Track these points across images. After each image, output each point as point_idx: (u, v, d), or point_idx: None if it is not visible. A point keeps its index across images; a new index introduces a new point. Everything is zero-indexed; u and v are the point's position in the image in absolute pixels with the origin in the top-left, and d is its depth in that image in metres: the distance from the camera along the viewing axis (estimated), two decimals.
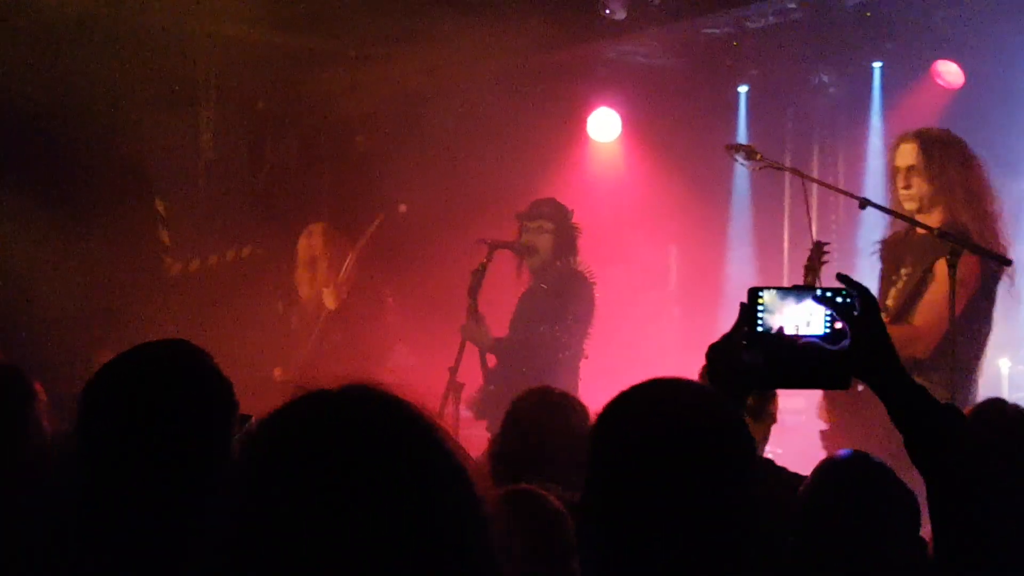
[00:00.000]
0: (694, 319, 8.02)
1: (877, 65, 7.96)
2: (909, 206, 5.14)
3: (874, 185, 7.88)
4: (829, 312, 2.13)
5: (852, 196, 5.32)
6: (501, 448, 3.62)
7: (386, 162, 8.21)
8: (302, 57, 7.86)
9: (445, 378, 5.91)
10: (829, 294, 2.14)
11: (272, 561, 1.25)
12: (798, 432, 5.71)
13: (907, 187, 5.11)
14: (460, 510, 1.31)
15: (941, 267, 4.94)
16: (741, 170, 7.93)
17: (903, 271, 5.12)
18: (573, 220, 6.28)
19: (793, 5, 7.18)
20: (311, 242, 7.24)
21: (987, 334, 5.07)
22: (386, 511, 1.25)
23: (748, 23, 7.50)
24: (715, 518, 1.80)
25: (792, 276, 8.67)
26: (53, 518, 2.15)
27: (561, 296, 6.08)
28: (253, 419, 2.21)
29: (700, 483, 1.80)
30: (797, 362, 2.14)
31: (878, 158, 8.16)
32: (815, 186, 8.06)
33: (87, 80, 7.19)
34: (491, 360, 6.16)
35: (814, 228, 6.24)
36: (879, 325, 2.14)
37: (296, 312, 7.35)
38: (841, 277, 2.18)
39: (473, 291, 6.05)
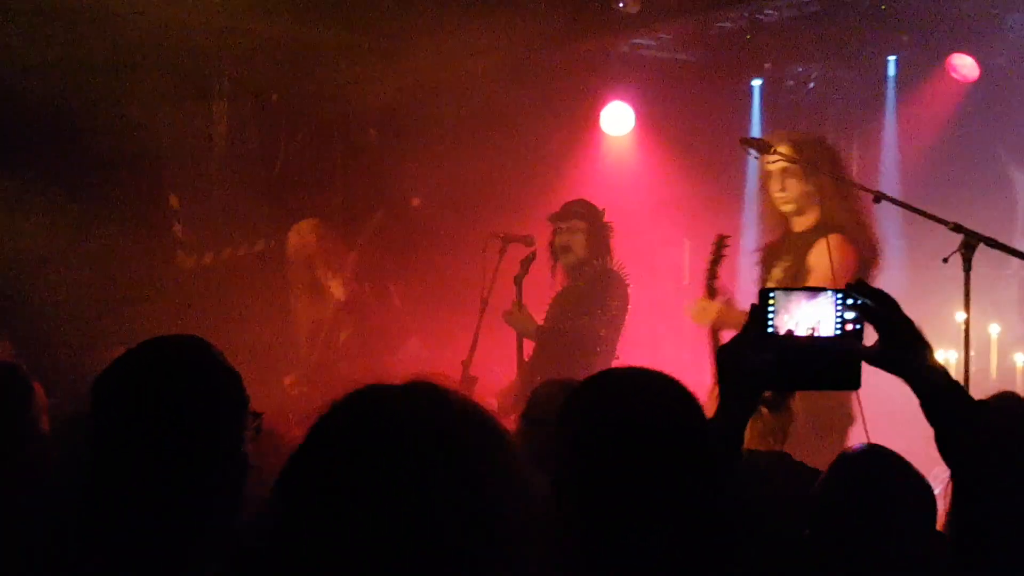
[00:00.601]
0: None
1: (892, 59, 7.93)
2: (786, 208, 5.17)
3: (889, 179, 7.86)
4: (839, 313, 2.12)
5: (866, 190, 5.28)
6: (516, 439, 3.61)
7: (399, 155, 8.21)
8: (316, 50, 7.86)
9: (459, 372, 5.91)
10: (840, 295, 2.13)
11: (338, 550, 1.24)
12: None
13: (783, 189, 5.12)
14: (520, 505, 1.32)
15: (815, 258, 4.96)
16: (755, 164, 7.91)
17: (779, 268, 5.11)
18: (605, 219, 6.32)
19: None
20: (303, 241, 7.23)
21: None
22: (450, 503, 1.26)
23: (762, 17, 7.48)
24: (673, 503, 1.84)
25: None
26: (54, 515, 2.15)
27: (597, 292, 6.12)
28: (264, 416, 2.21)
29: (655, 469, 1.84)
30: (807, 363, 2.14)
31: (893, 152, 8.13)
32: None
33: (100, 73, 7.20)
34: (527, 352, 6.16)
35: None
36: (906, 321, 2.14)
37: (296, 312, 7.33)
38: (856, 284, 2.16)
39: (519, 280, 6.10)
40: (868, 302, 2.12)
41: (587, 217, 6.28)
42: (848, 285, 2.16)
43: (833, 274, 4.89)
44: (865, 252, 5.02)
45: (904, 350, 2.13)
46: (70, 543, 2.00)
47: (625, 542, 1.83)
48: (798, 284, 5.03)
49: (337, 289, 7.07)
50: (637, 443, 1.86)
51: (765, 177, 5.21)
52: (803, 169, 5.11)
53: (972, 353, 4.82)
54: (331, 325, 7.10)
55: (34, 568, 2.06)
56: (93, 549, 1.97)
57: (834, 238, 5.01)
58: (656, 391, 1.94)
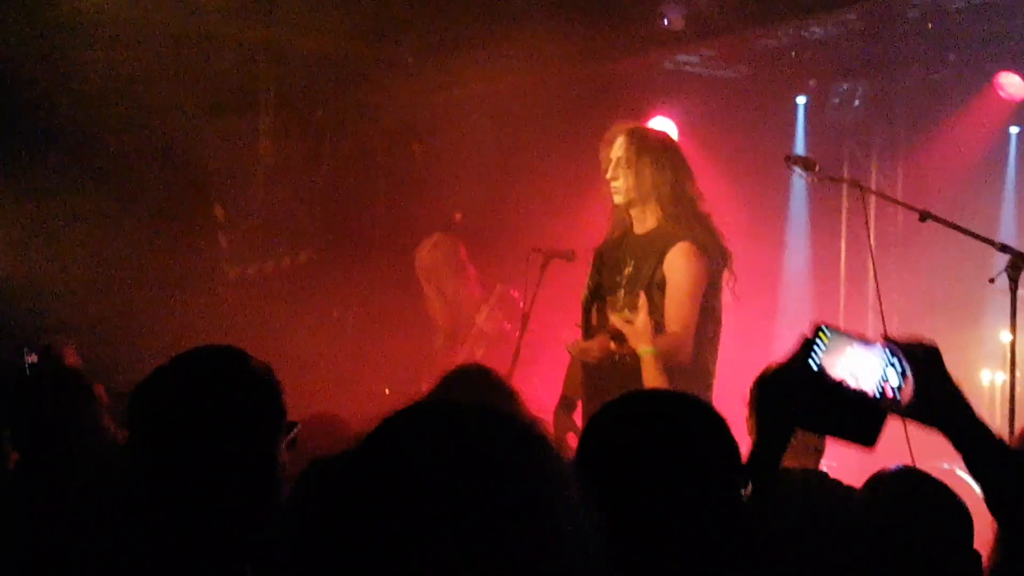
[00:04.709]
0: (749, 331, 7.96)
1: (939, 76, 7.88)
2: (617, 199, 5.04)
3: (936, 197, 7.80)
4: (885, 372, 2.08)
5: (912, 208, 5.26)
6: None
7: (442, 170, 8.25)
8: (360, 65, 7.91)
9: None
10: (891, 352, 2.10)
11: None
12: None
13: (615, 179, 5.02)
14: (576, 541, 1.24)
15: (670, 263, 4.85)
16: (798, 181, 7.88)
17: (626, 271, 5.01)
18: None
19: (853, 16, 7.12)
20: (420, 256, 7.26)
21: (719, 335, 4.96)
22: (502, 530, 1.18)
23: (807, 33, 7.45)
24: (696, 524, 1.84)
25: (848, 290, 8.58)
26: (103, 519, 2.17)
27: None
28: (299, 426, 2.22)
29: (679, 490, 1.85)
30: (834, 409, 2.10)
31: (940, 170, 8.07)
32: (873, 198, 7.99)
33: (148, 86, 7.28)
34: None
35: (872, 240, 6.18)
36: (947, 377, 2.11)
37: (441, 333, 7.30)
38: (896, 342, 2.12)
39: None
40: (906, 363, 2.08)
41: None
42: (886, 337, 2.11)
43: (686, 284, 4.82)
44: (715, 259, 4.94)
45: (944, 406, 2.09)
46: (108, 550, 2.03)
47: (645, 564, 1.82)
48: (635, 288, 4.90)
49: (481, 319, 7.01)
50: (661, 464, 1.86)
51: (606, 167, 5.12)
52: (627, 162, 4.98)
53: (1019, 374, 4.77)
54: (468, 346, 7.04)
55: (80, 569, 2.09)
56: (130, 557, 1.99)
57: (683, 247, 4.88)
58: (682, 413, 1.95)
